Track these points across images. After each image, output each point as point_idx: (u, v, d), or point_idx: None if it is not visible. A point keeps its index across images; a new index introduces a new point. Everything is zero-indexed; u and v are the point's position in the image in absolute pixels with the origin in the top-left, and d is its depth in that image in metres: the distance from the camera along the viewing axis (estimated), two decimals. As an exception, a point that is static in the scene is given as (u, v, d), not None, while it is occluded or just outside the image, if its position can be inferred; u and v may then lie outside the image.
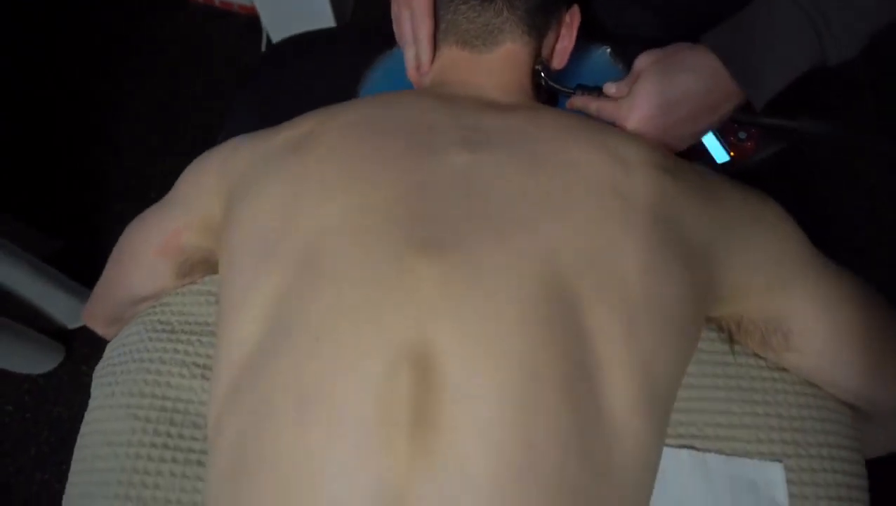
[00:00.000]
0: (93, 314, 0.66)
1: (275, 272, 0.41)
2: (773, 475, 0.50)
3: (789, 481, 0.50)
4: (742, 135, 0.59)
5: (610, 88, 0.55)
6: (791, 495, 0.49)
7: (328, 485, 0.36)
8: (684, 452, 0.51)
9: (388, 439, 0.35)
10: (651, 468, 0.43)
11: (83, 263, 1.13)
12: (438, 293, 0.37)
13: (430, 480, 0.35)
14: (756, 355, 0.53)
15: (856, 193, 1.34)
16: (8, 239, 1.13)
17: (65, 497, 0.56)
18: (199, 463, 0.53)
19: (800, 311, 0.49)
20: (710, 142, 0.60)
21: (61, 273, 1.23)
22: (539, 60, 0.58)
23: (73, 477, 0.56)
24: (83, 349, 1.29)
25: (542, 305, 0.37)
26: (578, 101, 0.56)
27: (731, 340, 0.53)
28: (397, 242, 0.39)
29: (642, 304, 0.40)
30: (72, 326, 1.28)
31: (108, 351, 0.61)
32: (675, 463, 0.51)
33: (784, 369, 0.53)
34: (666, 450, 0.51)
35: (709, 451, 0.51)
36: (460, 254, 0.38)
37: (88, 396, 0.60)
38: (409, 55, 0.58)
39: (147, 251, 0.59)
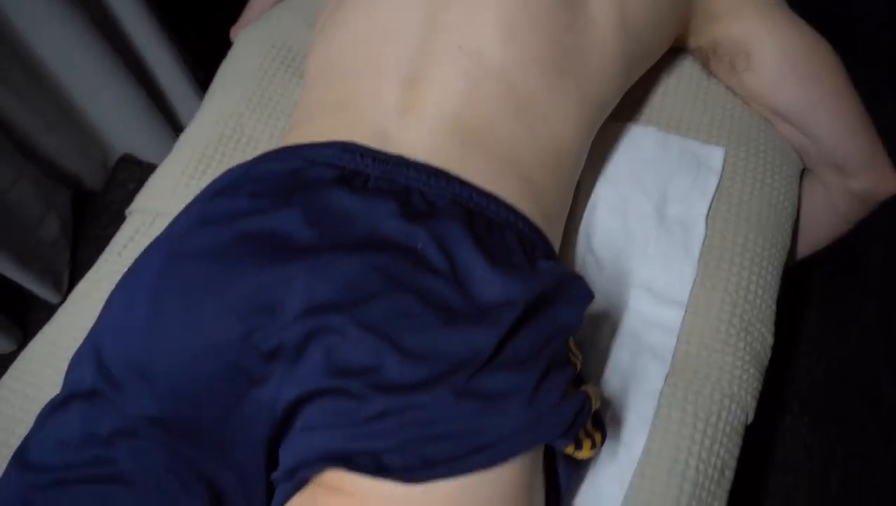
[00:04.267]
0: (238, 24, 0.89)
1: None
2: (716, 154, 0.65)
3: (726, 164, 0.65)
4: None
5: None
6: (724, 171, 0.64)
7: (391, 16, 0.54)
8: (652, 128, 0.67)
9: None
10: (607, 93, 0.58)
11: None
12: None
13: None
14: (727, 89, 0.69)
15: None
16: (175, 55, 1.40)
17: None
18: (301, 76, 0.73)
19: (759, 35, 0.64)
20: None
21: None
22: None
23: (208, 92, 0.78)
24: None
25: None
26: None
27: (708, 68, 0.69)
28: None
29: None
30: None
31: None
32: (644, 135, 0.66)
33: (747, 104, 0.68)
34: (638, 127, 0.67)
35: (671, 132, 0.66)
36: None
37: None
38: None
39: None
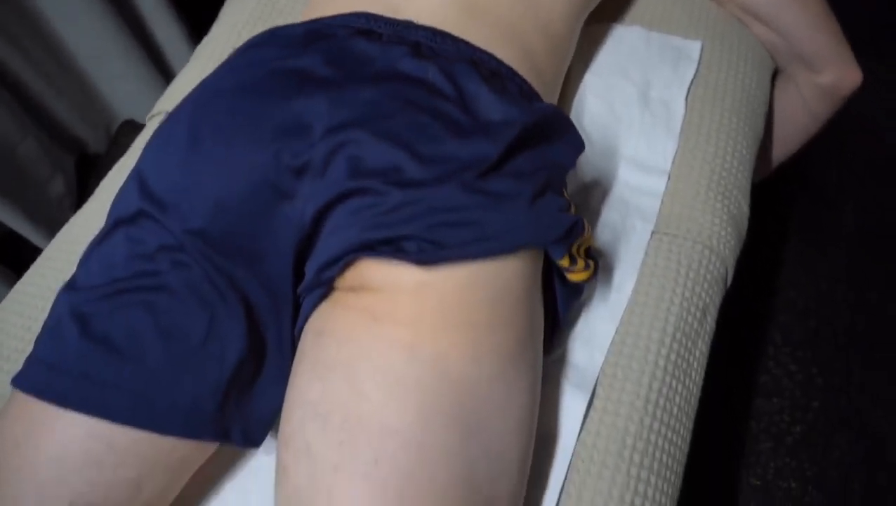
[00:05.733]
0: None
1: None
2: (694, 47, 0.71)
3: (703, 56, 0.71)
4: None
5: None
6: (701, 62, 0.70)
7: None
8: (635, 26, 0.73)
9: None
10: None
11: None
12: None
13: None
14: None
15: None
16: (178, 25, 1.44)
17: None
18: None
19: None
20: None
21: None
22: None
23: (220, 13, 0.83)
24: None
25: None
26: None
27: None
28: None
29: None
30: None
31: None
32: (628, 32, 0.73)
33: (722, 5, 0.74)
34: (622, 26, 0.73)
35: (652, 30, 0.72)
36: None
37: None
38: None
39: None
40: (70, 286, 0.49)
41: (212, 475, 0.53)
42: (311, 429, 0.42)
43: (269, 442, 0.53)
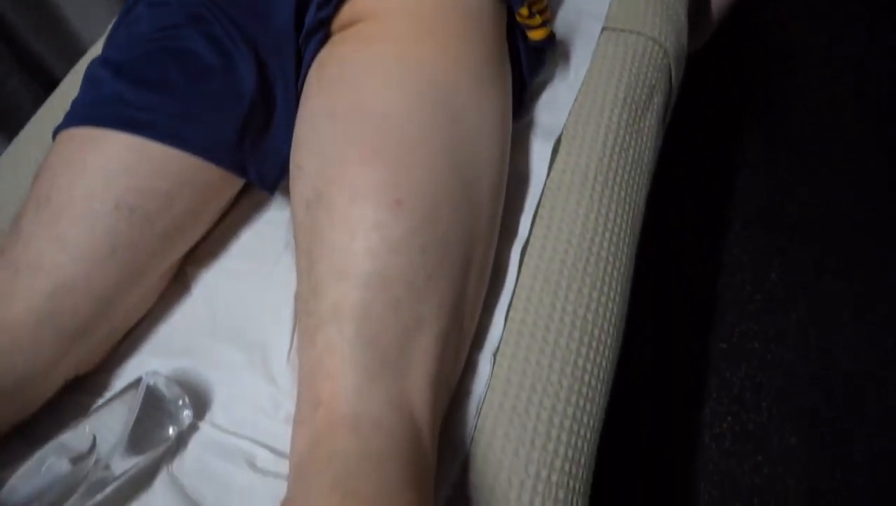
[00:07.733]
0: None
1: None
2: None
3: None
4: None
5: None
6: None
7: None
8: None
9: None
10: None
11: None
12: None
13: None
14: None
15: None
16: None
17: None
18: None
19: None
20: None
21: None
22: None
23: None
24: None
25: None
26: None
27: None
28: None
29: None
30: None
31: None
32: None
33: None
34: None
35: None
36: None
37: None
38: None
39: None
40: (100, 57, 0.56)
41: (232, 223, 0.60)
42: (321, 128, 0.49)
43: (280, 200, 0.61)
